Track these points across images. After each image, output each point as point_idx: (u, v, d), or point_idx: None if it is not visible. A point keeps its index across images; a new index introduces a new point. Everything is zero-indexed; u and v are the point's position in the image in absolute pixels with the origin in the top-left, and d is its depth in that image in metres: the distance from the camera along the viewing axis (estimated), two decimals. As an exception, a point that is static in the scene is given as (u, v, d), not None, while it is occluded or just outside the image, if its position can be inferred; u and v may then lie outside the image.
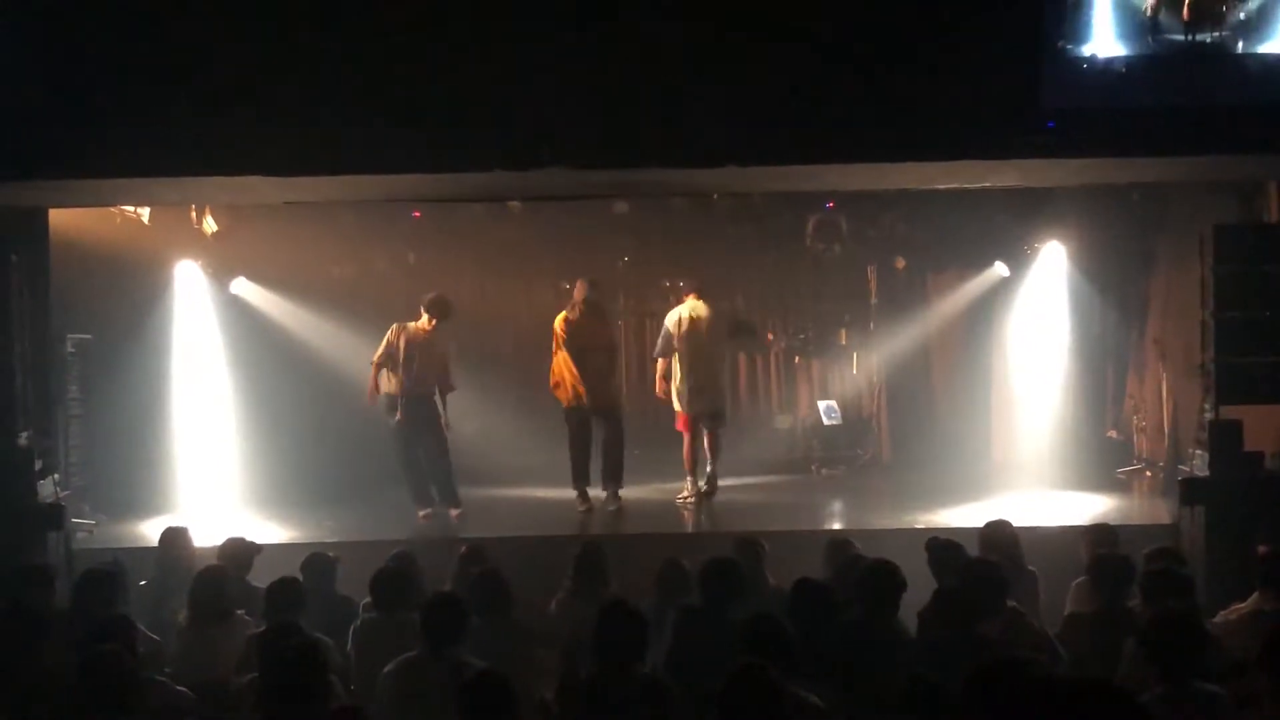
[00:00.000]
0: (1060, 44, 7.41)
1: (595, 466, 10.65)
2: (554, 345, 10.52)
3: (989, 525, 7.26)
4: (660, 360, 10.95)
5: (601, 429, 10.58)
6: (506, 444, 10.94)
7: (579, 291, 10.65)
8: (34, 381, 8.80)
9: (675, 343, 10.76)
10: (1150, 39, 7.42)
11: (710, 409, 10.84)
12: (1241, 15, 7.47)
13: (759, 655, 4.60)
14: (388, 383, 10.34)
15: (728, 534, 8.51)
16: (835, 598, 5.81)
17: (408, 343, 10.26)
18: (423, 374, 10.27)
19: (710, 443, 10.87)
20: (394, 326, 10.37)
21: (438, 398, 10.45)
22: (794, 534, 9.17)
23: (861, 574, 5.90)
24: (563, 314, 10.59)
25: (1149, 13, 7.41)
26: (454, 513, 10.38)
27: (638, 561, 7.46)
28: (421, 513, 10.38)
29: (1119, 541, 7.01)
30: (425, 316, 10.35)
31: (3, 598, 5.99)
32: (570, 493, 10.77)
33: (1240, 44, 7.49)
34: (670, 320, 10.85)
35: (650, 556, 7.15)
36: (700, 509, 10.59)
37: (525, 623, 6.26)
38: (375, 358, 10.37)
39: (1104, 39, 7.44)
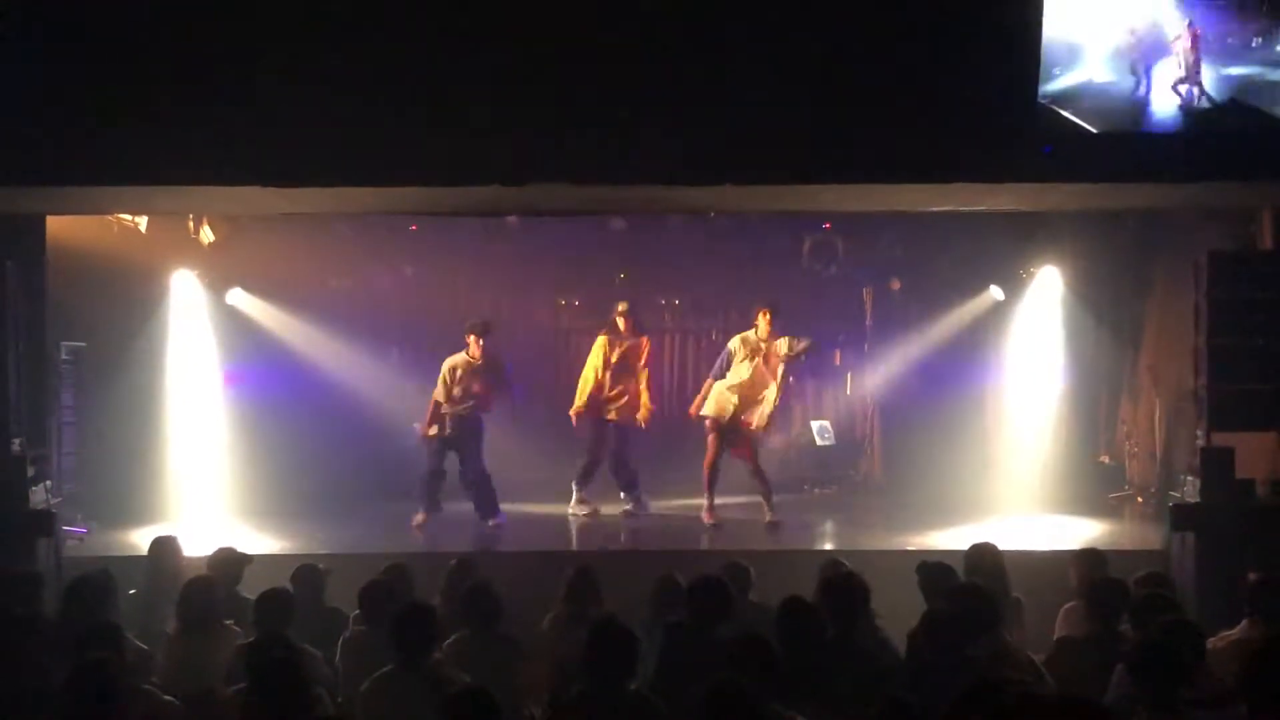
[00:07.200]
0: (1056, 70, 7.45)
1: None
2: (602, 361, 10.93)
3: (973, 548, 7.21)
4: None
5: (625, 441, 11.14)
6: (504, 459, 10.94)
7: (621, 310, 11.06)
8: (28, 388, 8.80)
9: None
10: (1145, 72, 7.50)
11: None
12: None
13: (743, 674, 4.59)
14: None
15: (722, 552, 8.53)
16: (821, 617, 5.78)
17: (457, 371, 10.49)
18: (471, 394, 10.47)
19: None
20: (445, 364, 10.56)
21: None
22: (786, 553, 9.19)
23: (821, 590, 5.89)
24: (603, 336, 11.01)
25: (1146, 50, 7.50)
26: (494, 523, 10.48)
27: (635, 576, 7.43)
28: (416, 519, 10.44)
29: (1108, 566, 7.01)
30: (471, 339, 10.53)
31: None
32: (565, 507, 10.93)
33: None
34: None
35: (649, 572, 7.10)
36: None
37: (515, 637, 6.23)
38: (437, 395, 10.56)
39: (1100, 66, 7.49)
